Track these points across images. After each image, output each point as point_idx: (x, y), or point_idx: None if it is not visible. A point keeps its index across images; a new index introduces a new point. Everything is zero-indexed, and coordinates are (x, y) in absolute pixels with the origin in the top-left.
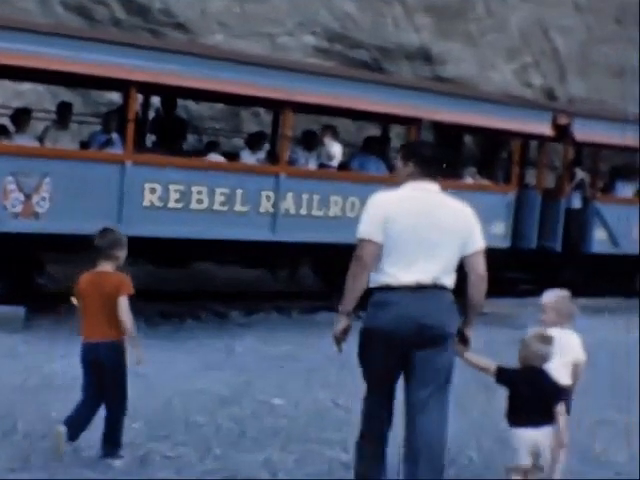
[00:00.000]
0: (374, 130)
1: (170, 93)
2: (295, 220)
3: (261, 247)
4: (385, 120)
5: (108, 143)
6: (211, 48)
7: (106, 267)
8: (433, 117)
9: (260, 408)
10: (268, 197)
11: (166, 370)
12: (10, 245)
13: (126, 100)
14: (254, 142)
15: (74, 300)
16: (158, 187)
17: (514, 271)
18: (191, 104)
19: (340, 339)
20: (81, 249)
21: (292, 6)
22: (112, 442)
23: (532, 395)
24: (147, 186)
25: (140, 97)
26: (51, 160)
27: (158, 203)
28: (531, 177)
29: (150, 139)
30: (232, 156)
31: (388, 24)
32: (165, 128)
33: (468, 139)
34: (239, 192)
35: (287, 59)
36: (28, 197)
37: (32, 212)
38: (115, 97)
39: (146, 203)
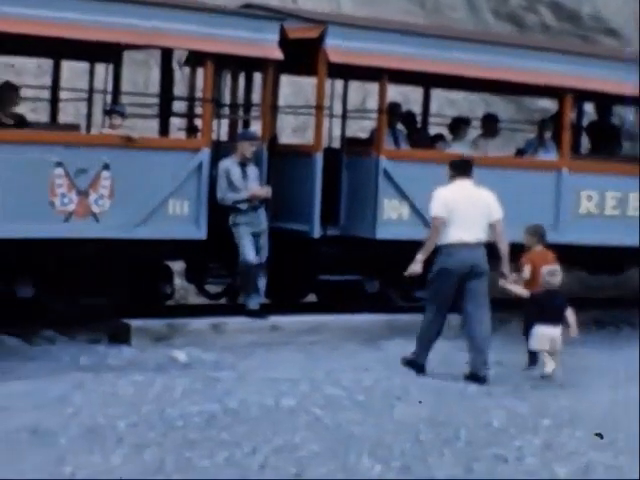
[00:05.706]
0: None
1: (603, 99)
2: None
3: None
4: None
5: (540, 148)
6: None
7: None
8: None
9: None
10: None
11: (602, 378)
12: None
13: (561, 107)
14: None
15: None
16: (594, 194)
17: None
18: (622, 110)
19: (411, 275)
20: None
21: None
22: None
23: (550, 307)
24: (583, 193)
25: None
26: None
27: (594, 210)
28: None
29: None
30: None
31: None
32: (599, 135)
33: None
34: None
35: None
36: None
37: None
38: (547, 104)
39: (582, 210)
